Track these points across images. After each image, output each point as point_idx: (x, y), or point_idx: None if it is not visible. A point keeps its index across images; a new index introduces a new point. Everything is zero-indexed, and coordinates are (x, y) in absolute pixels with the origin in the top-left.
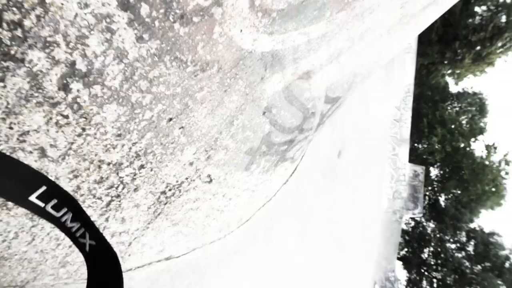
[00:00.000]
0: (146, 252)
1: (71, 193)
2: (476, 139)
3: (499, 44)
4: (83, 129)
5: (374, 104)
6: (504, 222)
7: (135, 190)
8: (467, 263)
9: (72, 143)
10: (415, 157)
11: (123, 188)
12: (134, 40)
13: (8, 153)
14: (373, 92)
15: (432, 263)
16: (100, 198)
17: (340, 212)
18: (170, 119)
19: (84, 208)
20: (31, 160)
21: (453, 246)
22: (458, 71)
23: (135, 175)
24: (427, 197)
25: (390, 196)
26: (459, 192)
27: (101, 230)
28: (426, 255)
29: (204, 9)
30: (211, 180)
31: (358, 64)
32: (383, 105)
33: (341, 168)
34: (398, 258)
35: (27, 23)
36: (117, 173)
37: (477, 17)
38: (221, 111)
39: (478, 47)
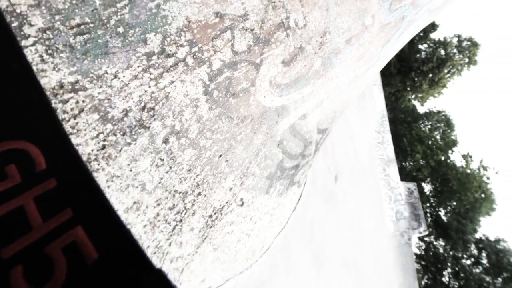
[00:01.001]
0: (192, 280)
1: (152, 219)
2: (452, 151)
3: (445, 71)
4: (170, 167)
5: (356, 131)
6: (504, 226)
7: (193, 214)
8: (487, 278)
9: (161, 178)
10: (405, 175)
11: (185, 213)
12: (207, 109)
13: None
14: (353, 121)
15: (456, 286)
16: (169, 223)
17: (349, 238)
18: (220, 155)
19: (157, 233)
20: (135, 193)
21: (468, 262)
22: (420, 95)
23: (194, 201)
24: (428, 214)
25: (393, 218)
26: (454, 203)
27: (163, 256)
28: (447, 278)
29: (245, 89)
30: (242, 204)
31: (334, 106)
32: (364, 130)
33: (340, 193)
34: None
35: (157, 107)
36: (183, 200)
37: (422, 52)
38: (251, 146)
39: (430, 75)
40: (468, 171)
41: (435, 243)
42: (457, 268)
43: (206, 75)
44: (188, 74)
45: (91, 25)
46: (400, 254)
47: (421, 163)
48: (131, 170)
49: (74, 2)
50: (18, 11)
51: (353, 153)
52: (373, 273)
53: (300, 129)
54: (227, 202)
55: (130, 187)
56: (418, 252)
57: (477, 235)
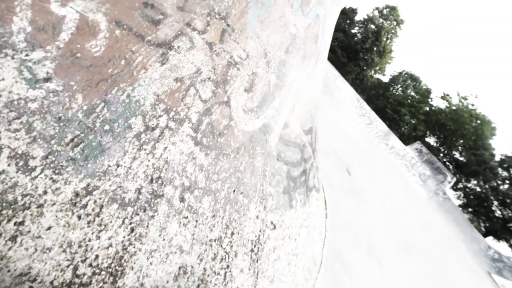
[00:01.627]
0: None
1: (202, 276)
2: (431, 99)
3: (384, 39)
4: (196, 221)
5: (343, 124)
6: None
7: (235, 255)
8: None
9: (193, 234)
10: (407, 140)
11: (228, 257)
12: (204, 156)
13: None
14: (336, 118)
15: (510, 214)
16: (219, 273)
17: (391, 221)
18: (234, 191)
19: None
20: (176, 259)
21: (505, 186)
22: (377, 68)
23: (231, 242)
24: (447, 163)
25: (420, 182)
26: (461, 141)
27: None
28: (499, 212)
29: (227, 125)
30: (275, 226)
31: (306, 105)
32: (349, 120)
33: (360, 184)
34: (484, 234)
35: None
36: (221, 245)
37: (358, 34)
38: (256, 171)
39: (374, 48)
40: (454, 107)
41: (468, 185)
42: (500, 197)
43: (190, 129)
44: (176, 136)
45: (82, 135)
46: (445, 211)
47: (413, 121)
48: (164, 239)
49: (61, 124)
50: (19, 152)
51: (351, 144)
52: (431, 242)
53: (289, 138)
54: (260, 231)
55: (170, 255)
56: (460, 202)
57: (497, 158)
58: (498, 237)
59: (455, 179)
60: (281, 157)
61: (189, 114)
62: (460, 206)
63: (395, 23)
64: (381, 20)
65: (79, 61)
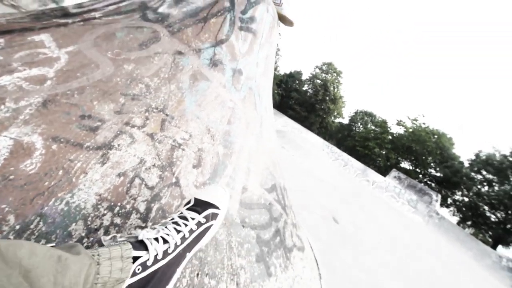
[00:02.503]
0: None
1: None
2: (389, 127)
3: (331, 88)
4: None
5: (320, 172)
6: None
7: None
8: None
9: None
10: (385, 171)
11: None
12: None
13: None
14: (311, 168)
15: (503, 212)
16: None
17: (395, 258)
18: (198, 274)
19: None
20: None
21: (486, 188)
22: (335, 114)
23: None
24: (428, 182)
25: (411, 209)
26: (430, 158)
27: None
28: (493, 216)
29: (179, 205)
30: None
31: (262, 164)
32: (325, 167)
33: (351, 229)
34: (493, 245)
35: None
36: None
37: (309, 90)
38: (220, 245)
39: (327, 98)
40: (411, 130)
41: (456, 198)
42: (487, 201)
43: (138, 220)
44: (123, 232)
45: None
46: (445, 232)
47: (383, 152)
48: None
49: None
50: None
51: (333, 190)
52: (441, 267)
53: (250, 200)
54: None
55: None
56: (456, 218)
57: (466, 164)
58: (506, 243)
59: (439, 196)
60: (247, 223)
61: (136, 205)
62: (458, 223)
63: (335, 74)
64: (323, 74)
65: (12, 183)
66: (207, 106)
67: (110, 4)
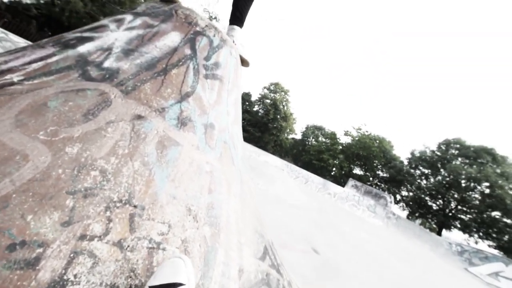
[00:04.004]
0: None
1: None
2: (338, 138)
3: (281, 106)
4: None
5: (284, 197)
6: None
7: None
8: (438, 178)
9: None
10: (341, 179)
11: None
12: None
13: None
14: (274, 191)
15: (441, 202)
16: None
17: (375, 265)
18: None
19: None
20: None
21: (424, 181)
22: (288, 130)
23: None
24: (378, 184)
25: (371, 214)
26: (376, 161)
27: None
28: (435, 205)
29: None
30: None
31: (250, 232)
32: (287, 190)
33: (330, 254)
34: (438, 232)
35: None
36: None
37: (260, 110)
38: None
39: (278, 116)
40: (357, 138)
41: (403, 194)
42: (427, 193)
43: None
44: None
45: None
46: (404, 229)
47: (336, 162)
48: None
49: None
50: None
51: (302, 213)
52: (409, 265)
53: (249, 283)
54: None
55: None
56: (406, 212)
57: (406, 162)
58: (448, 227)
59: (392, 197)
60: None
61: None
62: (408, 216)
63: (283, 93)
64: (271, 94)
65: None
66: (183, 178)
67: (33, 61)
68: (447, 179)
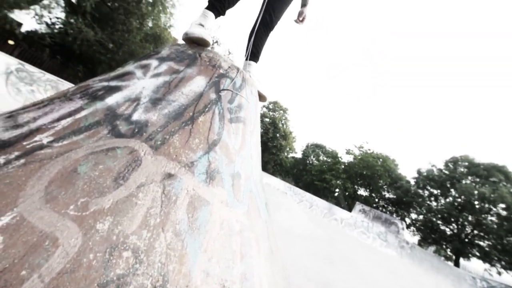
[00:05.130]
0: None
1: None
2: (340, 157)
3: (280, 125)
4: None
5: (294, 227)
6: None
7: None
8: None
9: None
10: (346, 201)
11: None
12: None
13: None
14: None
15: (455, 227)
16: None
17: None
18: None
19: None
20: None
21: (434, 203)
22: (288, 149)
23: None
24: (385, 205)
25: (383, 243)
26: (381, 181)
27: None
28: (448, 230)
29: None
30: None
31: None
32: (294, 217)
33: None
34: (455, 260)
35: None
36: None
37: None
38: None
39: (277, 135)
40: (359, 157)
41: (413, 217)
42: (439, 216)
43: None
44: None
45: None
46: (420, 261)
47: (339, 183)
48: None
49: None
50: None
51: (311, 246)
52: None
53: None
54: None
55: None
56: (417, 237)
57: (412, 182)
58: (465, 255)
59: (404, 223)
60: None
61: None
62: (420, 243)
63: (282, 111)
64: (270, 113)
65: None
66: (215, 246)
67: (62, 117)
68: (459, 200)
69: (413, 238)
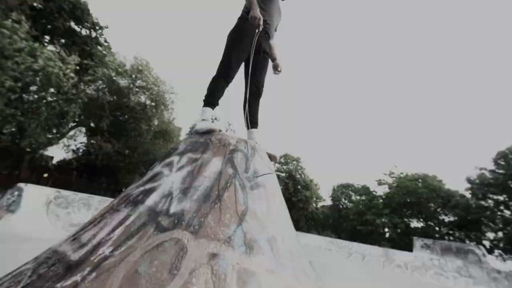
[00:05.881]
0: None
1: None
2: (374, 191)
3: (298, 176)
4: None
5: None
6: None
7: None
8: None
9: None
10: (401, 241)
11: None
12: None
13: None
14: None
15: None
16: None
17: None
18: None
19: None
20: None
21: (506, 211)
22: (314, 199)
23: None
24: (451, 232)
25: (470, 280)
26: (432, 204)
27: None
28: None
29: None
30: None
31: None
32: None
33: None
34: None
35: None
36: None
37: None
38: None
39: (298, 187)
40: (394, 184)
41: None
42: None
43: None
44: None
45: None
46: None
47: (384, 220)
48: None
49: None
50: None
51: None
52: None
53: None
54: None
55: None
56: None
57: (468, 195)
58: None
59: (482, 247)
60: None
61: None
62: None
63: (294, 162)
64: (284, 167)
65: None
66: None
67: (115, 227)
68: None
69: (504, 263)
